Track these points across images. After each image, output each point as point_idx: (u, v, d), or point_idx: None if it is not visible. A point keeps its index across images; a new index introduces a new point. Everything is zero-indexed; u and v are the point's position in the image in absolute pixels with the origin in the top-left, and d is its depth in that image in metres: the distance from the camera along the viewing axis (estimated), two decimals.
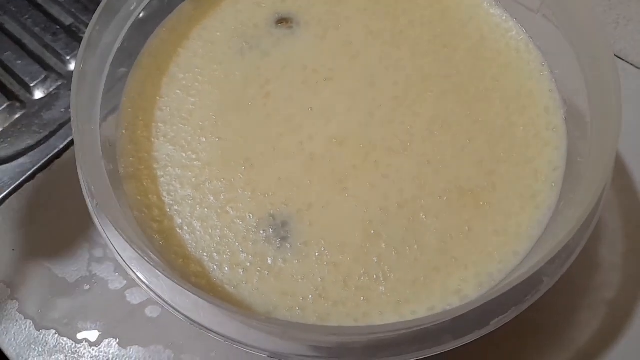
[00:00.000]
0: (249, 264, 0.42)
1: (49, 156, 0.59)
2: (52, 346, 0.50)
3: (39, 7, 0.69)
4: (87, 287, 0.52)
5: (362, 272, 0.41)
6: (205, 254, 0.42)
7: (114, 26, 0.48)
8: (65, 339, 0.50)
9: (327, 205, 0.44)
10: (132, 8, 0.49)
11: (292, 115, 0.47)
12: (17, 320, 0.51)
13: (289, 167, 0.45)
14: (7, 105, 0.62)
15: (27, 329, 0.50)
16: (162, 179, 0.45)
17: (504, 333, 0.40)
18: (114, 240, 0.41)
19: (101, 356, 0.49)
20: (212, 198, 0.44)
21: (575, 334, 0.48)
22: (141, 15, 0.50)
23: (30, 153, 0.60)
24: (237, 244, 0.42)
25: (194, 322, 0.39)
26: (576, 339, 0.48)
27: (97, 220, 0.42)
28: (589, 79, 0.44)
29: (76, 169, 0.43)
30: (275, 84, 0.49)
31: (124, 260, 0.40)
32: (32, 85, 0.63)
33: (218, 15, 0.53)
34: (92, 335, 0.50)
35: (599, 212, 0.40)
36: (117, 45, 0.48)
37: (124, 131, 0.47)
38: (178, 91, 0.49)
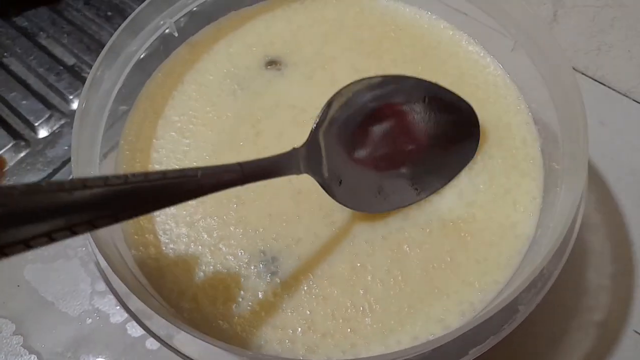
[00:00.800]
0: (241, 299, 0.43)
1: None
2: None
3: (43, 48, 0.72)
4: (89, 320, 0.54)
5: (349, 304, 0.43)
6: (199, 290, 0.44)
7: (116, 67, 0.51)
8: None
9: (315, 239, 0.46)
10: (133, 50, 0.52)
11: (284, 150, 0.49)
12: (22, 355, 0.52)
13: (278, 203, 0.47)
14: (13, 145, 0.64)
15: None
16: (157, 218, 0.47)
17: (497, 356, 0.41)
18: (111, 278, 0.42)
19: None
20: (205, 236, 0.46)
21: (566, 356, 0.49)
22: (142, 56, 0.53)
23: None
24: (229, 279, 0.44)
25: (188, 357, 0.40)
26: None
27: (96, 259, 0.44)
28: (560, 112, 0.47)
29: None
30: (266, 123, 0.52)
31: (121, 299, 0.42)
32: (36, 124, 0.66)
33: (211, 58, 0.56)
34: None
35: (572, 239, 0.42)
36: (119, 85, 0.51)
37: (122, 173, 0.49)
38: (173, 133, 0.52)
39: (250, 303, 0.43)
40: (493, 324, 0.39)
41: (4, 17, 0.75)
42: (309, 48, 0.56)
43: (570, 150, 0.44)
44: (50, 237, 0.26)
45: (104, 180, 0.29)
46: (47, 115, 0.67)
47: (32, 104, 0.68)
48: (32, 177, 0.63)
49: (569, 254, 0.41)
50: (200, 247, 0.46)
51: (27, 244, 0.25)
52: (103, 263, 0.42)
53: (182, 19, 0.56)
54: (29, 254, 0.57)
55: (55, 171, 0.63)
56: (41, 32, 0.74)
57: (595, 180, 0.58)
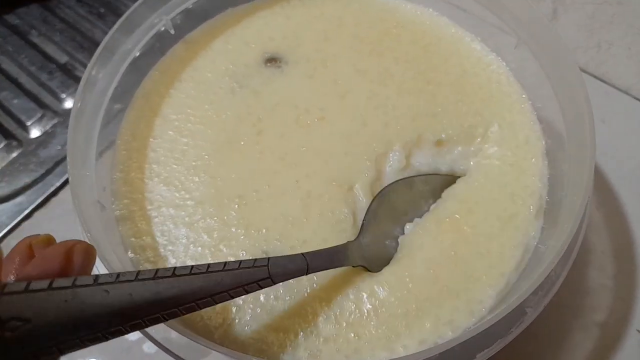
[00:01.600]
0: (241, 302, 0.42)
1: (46, 194, 0.60)
2: None
3: (35, 47, 0.71)
4: None
5: (353, 307, 0.42)
6: None
7: (111, 66, 0.50)
8: None
9: (323, 243, 0.45)
10: (128, 48, 0.51)
11: (286, 154, 0.48)
12: None
13: (284, 204, 0.46)
14: (4, 145, 0.63)
15: None
16: (155, 220, 0.46)
17: (501, 358, 0.40)
18: None
19: None
20: (205, 237, 0.45)
21: (568, 357, 0.49)
22: (137, 54, 0.52)
23: (28, 192, 0.61)
24: None
25: None
26: None
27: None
28: (565, 111, 0.46)
29: (73, 206, 0.44)
30: (267, 122, 0.51)
31: None
32: (28, 124, 0.65)
33: (209, 56, 0.55)
34: None
35: (578, 241, 0.41)
36: (114, 84, 0.50)
37: (118, 173, 0.49)
38: (171, 132, 0.51)
39: (251, 306, 0.42)
40: (501, 328, 0.38)
41: None
42: (309, 45, 0.55)
43: (576, 151, 0.43)
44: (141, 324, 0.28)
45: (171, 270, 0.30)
46: (39, 115, 0.66)
47: (24, 103, 0.66)
48: (24, 178, 0.61)
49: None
50: (200, 248, 0.45)
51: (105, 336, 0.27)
52: (100, 266, 0.41)
53: (178, 17, 0.55)
54: None
55: (48, 172, 0.62)
56: (33, 30, 0.73)
57: (596, 178, 0.58)
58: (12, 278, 0.27)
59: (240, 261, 0.33)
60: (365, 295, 0.43)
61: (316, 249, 0.40)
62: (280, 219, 0.46)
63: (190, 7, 0.55)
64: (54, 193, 0.60)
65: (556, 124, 0.47)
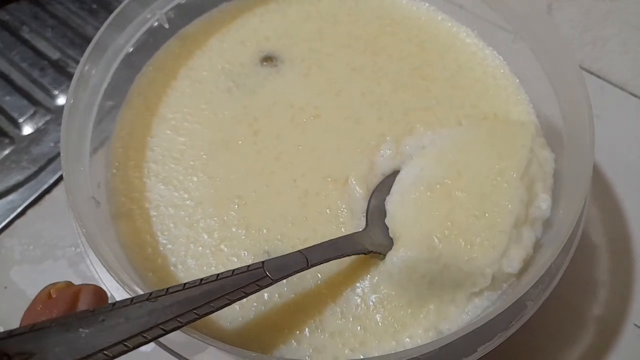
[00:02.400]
0: (245, 300, 0.42)
1: (38, 192, 0.60)
2: None
3: (26, 43, 0.70)
4: None
5: (358, 301, 0.43)
6: None
7: (104, 62, 0.49)
8: None
9: (323, 239, 0.44)
10: (120, 44, 0.51)
11: (282, 153, 0.49)
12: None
13: (283, 203, 0.46)
14: None
15: None
16: (154, 219, 0.46)
17: (498, 354, 0.41)
18: (104, 278, 0.41)
19: None
20: (206, 236, 0.45)
21: (566, 351, 0.50)
22: (130, 50, 0.51)
23: (20, 189, 0.60)
24: None
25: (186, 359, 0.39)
26: (568, 356, 0.49)
27: (88, 260, 0.43)
28: (562, 101, 0.47)
29: (67, 203, 0.43)
30: (264, 122, 0.51)
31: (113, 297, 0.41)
32: (20, 121, 0.64)
33: (204, 54, 0.55)
34: None
35: (578, 235, 0.42)
36: (107, 80, 0.49)
37: (114, 171, 0.48)
38: (168, 131, 0.50)
39: (254, 304, 0.42)
40: (501, 321, 0.39)
41: None
42: (304, 44, 0.55)
43: (574, 146, 0.44)
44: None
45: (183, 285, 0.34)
46: (31, 112, 0.65)
47: (16, 100, 0.66)
48: (16, 175, 0.61)
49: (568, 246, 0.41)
50: (200, 248, 0.45)
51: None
52: (96, 263, 0.41)
53: (171, 11, 0.55)
54: (16, 255, 0.56)
55: (41, 169, 0.61)
56: (24, 26, 0.72)
57: (592, 173, 0.58)
58: None
59: (234, 270, 0.36)
60: (369, 288, 0.43)
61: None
62: (280, 218, 0.46)
63: (184, 1, 0.55)
64: (47, 190, 0.60)
65: (554, 119, 0.48)
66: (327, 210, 0.46)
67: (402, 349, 0.40)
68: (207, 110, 0.52)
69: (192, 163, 0.49)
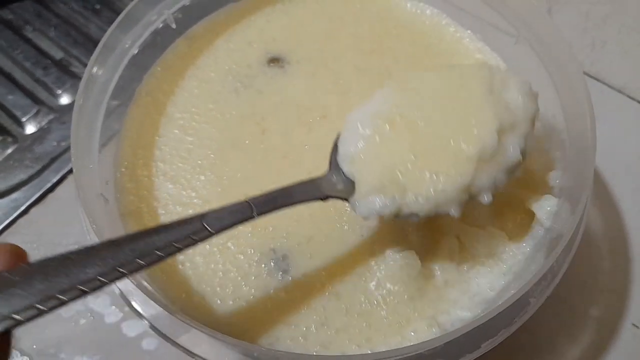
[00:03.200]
0: (251, 297, 0.43)
1: (42, 190, 0.60)
2: None
3: (29, 42, 0.70)
4: (83, 321, 0.52)
5: (362, 298, 0.43)
6: (208, 288, 0.44)
7: (112, 62, 0.50)
8: None
9: (327, 238, 0.45)
10: (127, 45, 0.51)
11: (290, 152, 0.49)
12: (13, 358, 0.50)
13: None
14: None
15: None
16: (162, 217, 0.47)
17: (497, 354, 0.41)
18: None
19: None
20: None
21: (565, 350, 0.50)
22: (136, 51, 0.52)
23: (24, 188, 0.60)
24: (239, 278, 0.44)
25: (199, 356, 0.40)
26: (566, 355, 0.50)
27: None
28: (564, 103, 0.47)
29: (70, 202, 0.44)
30: (271, 121, 0.51)
31: (123, 294, 0.41)
32: (23, 120, 0.64)
33: (211, 54, 0.55)
34: None
35: (579, 235, 0.43)
36: (115, 80, 0.50)
37: (123, 169, 0.49)
38: (176, 131, 0.51)
39: (261, 301, 0.43)
40: (505, 318, 0.39)
41: None
42: (311, 45, 0.56)
43: (576, 148, 0.45)
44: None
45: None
46: (34, 111, 0.65)
47: (19, 99, 0.66)
48: (19, 174, 0.61)
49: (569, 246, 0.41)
50: (208, 246, 0.45)
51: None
52: None
53: (178, 11, 0.55)
54: None
55: (44, 168, 0.61)
56: (27, 25, 0.72)
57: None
58: None
59: (166, 224, 0.34)
60: (373, 286, 0.44)
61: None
62: (286, 216, 0.46)
63: (191, 2, 0.55)
64: (51, 189, 0.60)
65: (556, 121, 0.48)
66: (331, 209, 0.47)
67: (408, 344, 0.40)
68: (214, 110, 0.52)
69: (199, 162, 0.49)
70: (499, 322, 0.39)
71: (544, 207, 0.44)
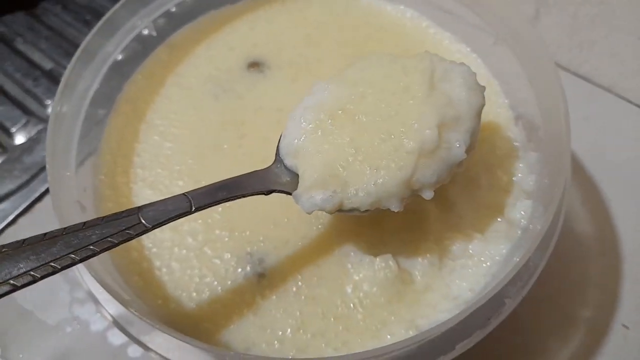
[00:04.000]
0: (228, 302, 0.43)
1: (30, 200, 0.60)
2: None
3: (20, 54, 0.71)
4: (69, 329, 0.52)
5: (339, 302, 0.43)
6: (184, 294, 0.43)
7: (92, 69, 0.50)
8: None
9: (303, 241, 0.45)
10: (109, 51, 0.51)
11: (269, 156, 0.48)
12: None
13: (266, 206, 0.46)
14: None
15: None
16: None
17: (488, 356, 0.40)
18: (91, 284, 0.41)
19: None
20: (190, 239, 0.45)
21: (555, 351, 0.49)
22: (119, 57, 0.52)
23: (12, 198, 0.60)
24: (215, 282, 0.44)
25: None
26: (557, 356, 0.49)
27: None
28: (541, 104, 0.47)
29: (52, 204, 0.44)
30: (250, 126, 0.51)
31: (101, 304, 0.41)
32: (13, 130, 0.65)
33: (192, 61, 0.56)
34: None
35: (556, 231, 0.41)
36: (95, 87, 0.50)
37: (102, 177, 0.49)
38: (156, 137, 0.51)
39: (237, 305, 0.43)
40: (479, 318, 0.38)
41: None
42: (292, 50, 0.56)
43: (552, 141, 0.44)
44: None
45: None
46: (24, 121, 0.65)
47: (9, 110, 0.66)
48: (8, 184, 0.61)
49: (555, 247, 0.41)
50: (184, 251, 0.45)
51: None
52: (83, 269, 0.41)
53: (160, 19, 0.55)
54: None
55: (33, 178, 0.62)
56: (18, 37, 0.73)
57: (581, 174, 0.58)
58: None
59: (104, 217, 0.34)
60: (349, 290, 0.43)
61: None
62: (263, 220, 0.46)
63: (173, 9, 0.56)
64: (39, 199, 0.60)
65: (534, 119, 0.48)
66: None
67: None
68: (194, 115, 0.52)
69: (178, 168, 0.49)
70: (473, 323, 0.38)
71: (519, 209, 0.43)
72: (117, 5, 0.51)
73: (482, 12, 0.53)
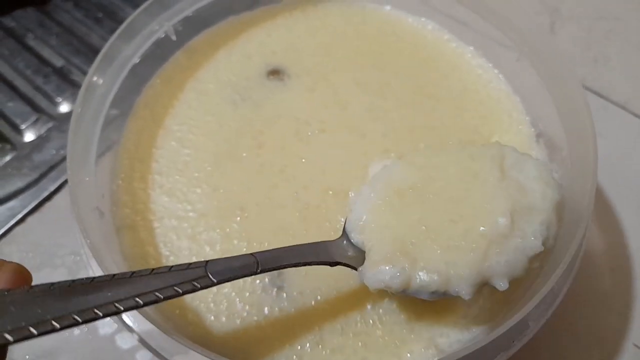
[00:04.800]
0: (245, 314, 0.43)
1: (39, 199, 0.59)
2: None
3: (30, 50, 0.70)
4: (77, 331, 0.52)
5: (358, 318, 0.43)
6: (202, 304, 0.43)
7: (111, 72, 0.49)
8: None
9: None
10: (128, 55, 0.51)
11: (286, 166, 0.49)
12: None
13: (284, 216, 0.46)
14: None
15: None
16: (158, 230, 0.46)
17: None
18: None
19: None
20: (208, 249, 0.45)
21: None
22: (137, 61, 0.52)
23: (21, 196, 0.60)
24: (233, 294, 0.43)
25: None
26: None
27: (90, 270, 0.43)
28: (564, 121, 0.47)
29: (67, 211, 0.43)
30: (269, 135, 0.51)
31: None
32: (22, 127, 0.64)
33: (211, 67, 0.55)
34: None
35: (579, 258, 0.42)
36: (114, 91, 0.49)
37: (120, 182, 0.48)
38: (173, 143, 0.51)
39: (255, 318, 0.42)
40: (504, 340, 0.38)
41: None
42: (311, 59, 0.56)
43: (577, 168, 0.44)
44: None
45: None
46: (34, 119, 0.65)
47: (19, 107, 0.65)
48: (17, 182, 0.60)
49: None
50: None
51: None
52: (98, 274, 0.40)
53: (179, 23, 0.55)
54: (17, 261, 0.55)
55: (42, 176, 0.61)
56: (29, 33, 0.72)
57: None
58: None
59: (171, 266, 0.34)
60: (369, 306, 0.43)
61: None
62: (281, 231, 0.46)
63: (191, 14, 0.55)
64: (48, 198, 0.60)
65: (557, 139, 0.48)
66: (327, 224, 0.46)
67: None
68: (212, 122, 0.52)
69: (196, 175, 0.49)
70: (497, 345, 0.38)
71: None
72: (139, 10, 0.50)
73: (503, 27, 0.53)
